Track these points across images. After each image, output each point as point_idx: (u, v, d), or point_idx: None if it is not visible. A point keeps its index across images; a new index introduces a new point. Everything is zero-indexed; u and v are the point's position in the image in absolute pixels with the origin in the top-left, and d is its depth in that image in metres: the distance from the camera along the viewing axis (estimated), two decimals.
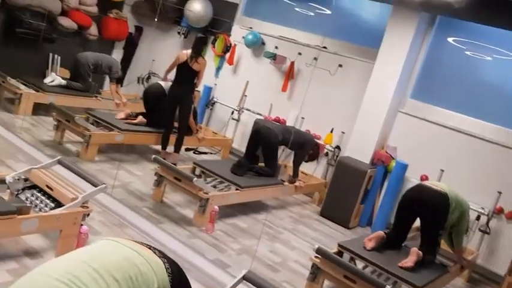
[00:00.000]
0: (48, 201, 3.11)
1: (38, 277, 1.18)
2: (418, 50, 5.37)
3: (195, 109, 6.08)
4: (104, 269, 1.22)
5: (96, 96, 6.56)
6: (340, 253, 3.53)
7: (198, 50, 5.32)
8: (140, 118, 5.54)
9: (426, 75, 5.45)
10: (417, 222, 3.91)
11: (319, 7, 6.34)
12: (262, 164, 5.07)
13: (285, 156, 5.99)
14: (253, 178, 4.82)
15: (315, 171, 5.76)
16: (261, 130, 5.07)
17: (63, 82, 6.25)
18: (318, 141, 5.61)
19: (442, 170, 4.96)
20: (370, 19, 6.08)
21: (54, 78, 6.26)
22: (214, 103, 6.94)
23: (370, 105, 5.38)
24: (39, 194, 3.17)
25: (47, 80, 6.24)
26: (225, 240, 4.02)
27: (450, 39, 5.35)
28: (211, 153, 6.56)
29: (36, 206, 3.07)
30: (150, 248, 1.40)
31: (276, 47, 6.47)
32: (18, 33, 6.50)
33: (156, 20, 7.03)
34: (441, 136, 5.18)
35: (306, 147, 5.26)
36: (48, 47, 6.86)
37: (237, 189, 4.47)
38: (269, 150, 5.05)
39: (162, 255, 1.41)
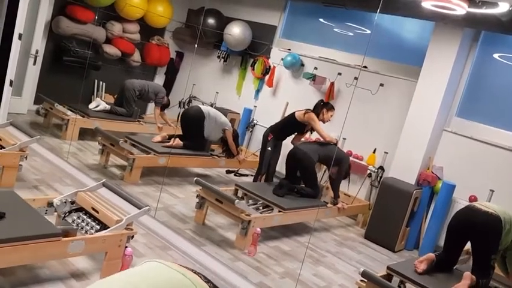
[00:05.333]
0: (93, 223, 3.16)
1: None
2: (462, 67, 5.24)
3: (236, 131, 6.11)
4: None
5: (138, 121, 6.70)
6: (389, 276, 3.42)
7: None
8: (176, 141, 5.59)
9: (472, 93, 5.29)
10: (468, 245, 3.74)
11: (359, 27, 6.32)
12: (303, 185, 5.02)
13: (326, 177, 5.91)
14: (296, 200, 4.75)
15: (358, 192, 5.65)
16: (295, 153, 5.03)
17: (107, 107, 6.42)
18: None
19: (492, 190, 4.77)
20: (411, 37, 5.99)
21: (99, 103, 6.43)
22: (254, 125, 6.97)
23: (414, 124, 5.26)
24: (85, 217, 3.23)
25: (91, 105, 6.42)
26: (268, 263, 3.96)
27: (496, 55, 5.19)
28: (251, 175, 6.53)
29: (82, 228, 3.13)
30: (195, 272, 1.39)
31: (315, 68, 6.46)
32: (65, 61, 6.78)
33: (196, 45, 7.17)
34: (490, 155, 4.99)
35: (343, 164, 5.15)
36: (94, 73, 7.10)
37: (279, 211, 4.42)
38: (306, 173, 4.99)
39: (207, 280, 1.39)
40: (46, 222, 2.88)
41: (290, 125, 5.40)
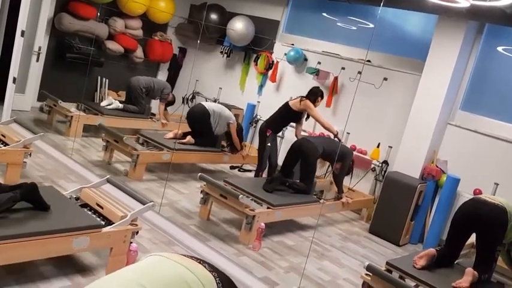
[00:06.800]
0: (98, 219, 3.16)
1: None
2: (466, 60, 5.21)
3: (241, 126, 6.10)
4: (154, 286, 1.21)
5: (151, 118, 6.72)
6: (389, 272, 3.40)
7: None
8: (188, 138, 5.61)
9: (476, 86, 5.27)
10: (472, 238, 3.73)
11: (362, 21, 6.29)
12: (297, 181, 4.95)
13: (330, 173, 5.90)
14: (287, 196, 4.62)
15: (355, 184, 5.63)
16: (301, 144, 5.00)
17: (120, 106, 6.45)
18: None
19: (497, 184, 4.75)
20: (415, 30, 5.96)
21: (112, 101, 6.46)
22: (258, 120, 6.96)
23: (418, 118, 5.24)
24: (89, 213, 3.23)
25: (104, 103, 6.45)
26: (273, 257, 3.97)
27: (500, 48, 5.17)
28: (255, 170, 6.54)
29: None
30: (200, 263, 1.38)
31: (319, 63, 6.44)
32: (68, 57, 6.78)
33: (199, 41, 7.15)
34: (494, 148, 4.97)
35: (347, 159, 5.14)
36: (97, 70, 7.11)
37: (268, 208, 4.29)
38: (308, 164, 4.91)
39: (213, 269, 1.38)
40: (87, 215, 3.07)
41: (285, 116, 5.36)
